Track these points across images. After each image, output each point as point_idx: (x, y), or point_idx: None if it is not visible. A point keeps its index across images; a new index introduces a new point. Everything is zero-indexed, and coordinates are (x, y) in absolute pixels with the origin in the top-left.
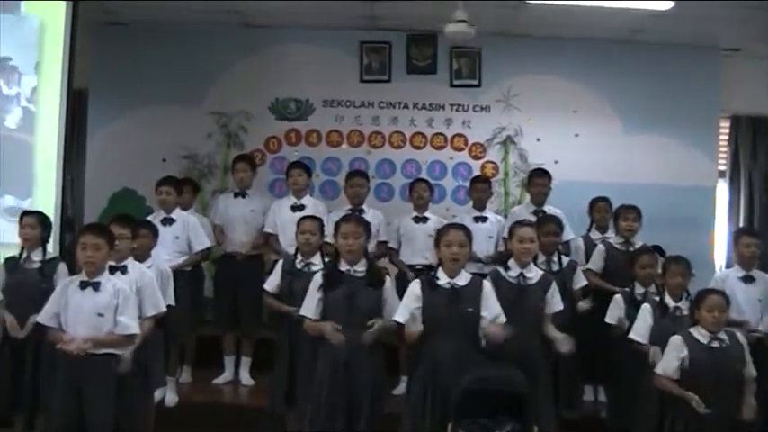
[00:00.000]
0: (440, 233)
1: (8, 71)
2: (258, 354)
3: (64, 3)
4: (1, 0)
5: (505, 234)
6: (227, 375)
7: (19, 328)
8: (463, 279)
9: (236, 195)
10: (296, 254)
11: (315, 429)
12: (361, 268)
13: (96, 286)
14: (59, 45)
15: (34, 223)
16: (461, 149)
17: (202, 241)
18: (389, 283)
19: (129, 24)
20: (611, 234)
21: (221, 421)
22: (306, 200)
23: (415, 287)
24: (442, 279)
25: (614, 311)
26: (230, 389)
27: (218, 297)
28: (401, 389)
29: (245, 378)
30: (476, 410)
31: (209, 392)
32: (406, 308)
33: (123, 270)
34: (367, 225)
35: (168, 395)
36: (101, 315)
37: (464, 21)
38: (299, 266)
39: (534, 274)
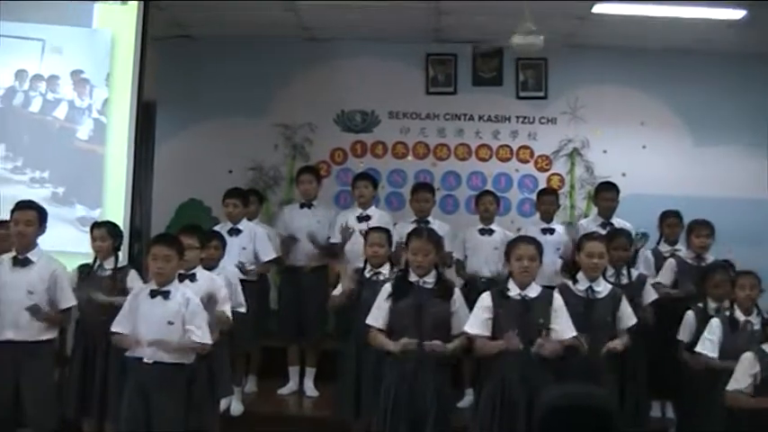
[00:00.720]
0: (510, 246)
1: (80, 83)
2: (322, 365)
3: (135, 17)
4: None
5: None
6: (291, 386)
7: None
8: (534, 291)
9: (301, 206)
10: (365, 264)
11: None
12: (430, 280)
13: (166, 295)
14: (130, 58)
15: (105, 235)
16: (527, 161)
17: (268, 252)
18: (458, 294)
19: (196, 37)
20: (680, 247)
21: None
22: (371, 211)
23: (486, 298)
24: (513, 291)
25: (686, 328)
26: (295, 399)
27: (282, 308)
28: (465, 402)
29: (310, 389)
30: (561, 428)
31: (273, 403)
32: (477, 318)
33: (192, 278)
34: (438, 240)
35: (234, 404)
36: (170, 323)
37: (531, 32)
38: (367, 276)
39: (603, 287)
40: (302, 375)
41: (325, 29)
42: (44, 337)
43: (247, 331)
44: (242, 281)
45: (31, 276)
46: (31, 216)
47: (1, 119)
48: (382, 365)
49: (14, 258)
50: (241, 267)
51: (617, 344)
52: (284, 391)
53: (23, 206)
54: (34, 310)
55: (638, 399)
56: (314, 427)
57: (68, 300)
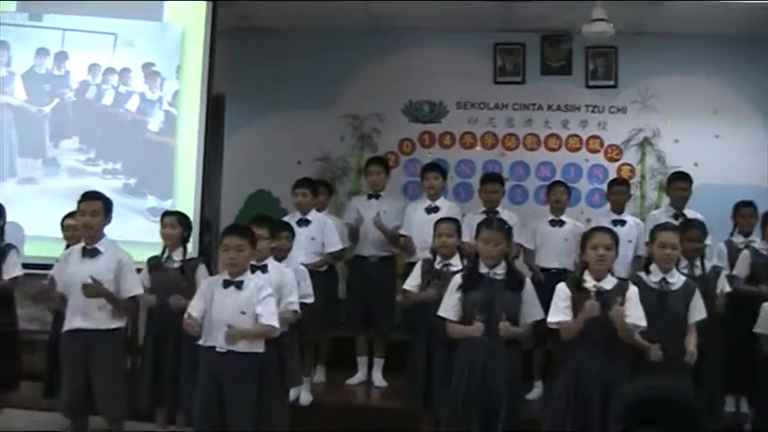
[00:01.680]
0: (586, 235)
1: (151, 76)
2: (391, 355)
3: (204, 10)
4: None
5: (646, 238)
6: (359, 376)
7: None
8: (609, 283)
9: (369, 197)
10: (434, 255)
11: (451, 431)
12: (500, 271)
13: (239, 285)
14: (199, 50)
15: (175, 223)
16: (597, 151)
17: (336, 243)
18: (529, 285)
19: (265, 30)
20: (754, 238)
21: (353, 422)
22: (440, 202)
23: (563, 287)
24: (589, 282)
25: (764, 321)
26: (363, 390)
27: (350, 298)
28: (534, 394)
29: (378, 379)
30: (644, 422)
31: (342, 393)
32: (558, 307)
33: (264, 269)
34: (508, 230)
35: (303, 394)
36: (243, 313)
37: (602, 20)
38: (437, 267)
39: (677, 279)
40: (370, 366)
41: (394, 19)
42: (113, 326)
43: (316, 321)
44: (310, 271)
45: (99, 266)
46: (97, 206)
47: (74, 112)
48: (453, 357)
49: (83, 249)
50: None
51: (692, 350)
52: (352, 381)
53: (89, 197)
54: (89, 290)
55: (713, 393)
56: (382, 418)
57: (135, 288)
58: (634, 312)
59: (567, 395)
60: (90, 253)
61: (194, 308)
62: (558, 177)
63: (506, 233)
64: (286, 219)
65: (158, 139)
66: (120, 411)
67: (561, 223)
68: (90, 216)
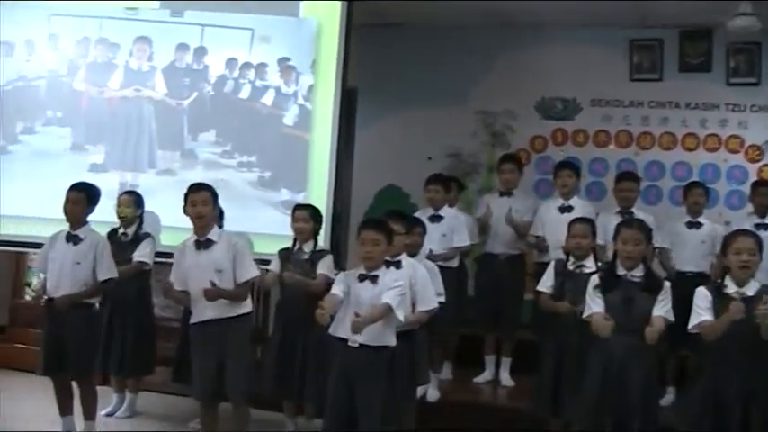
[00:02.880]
0: (728, 240)
1: (287, 71)
2: (519, 355)
3: (339, 6)
4: (281, 3)
5: None
6: (487, 375)
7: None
8: (752, 288)
9: (501, 194)
10: (567, 256)
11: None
12: (638, 273)
13: (374, 279)
14: (334, 45)
15: (306, 216)
16: (737, 152)
17: (464, 238)
18: (667, 288)
19: (397, 25)
20: None
21: (480, 420)
22: (573, 201)
23: (704, 291)
24: (731, 287)
25: None
26: (490, 389)
27: (479, 296)
28: (666, 400)
29: (506, 379)
30: None
31: (468, 391)
32: (698, 311)
33: (398, 265)
34: (648, 231)
35: (430, 391)
36: None
37: (748, 14)
38: (570, 268)
39: None
40: (498, 365)
41: (527, 14)
42: (241, 311)
43: (446, 319)
44: (441, 268)
45: (216, 256)
46: (206, 197)
47: (212, 105)
48: (585, 360)
49: (197, 242)
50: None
51: None
52: (480, 379)
53: (198, 188)
54: (210, 294)
55: None
56: (509, 418)
57: (252, 271)
58: None
59: (705, 401)
60: (204, 244)
61: (328, 299)
62: (694, 178)
63: (647, 234)
64: (417, 214)
65: (293, 133)
66: (245, 393)
67: (698, 225)
68: (202, 206)
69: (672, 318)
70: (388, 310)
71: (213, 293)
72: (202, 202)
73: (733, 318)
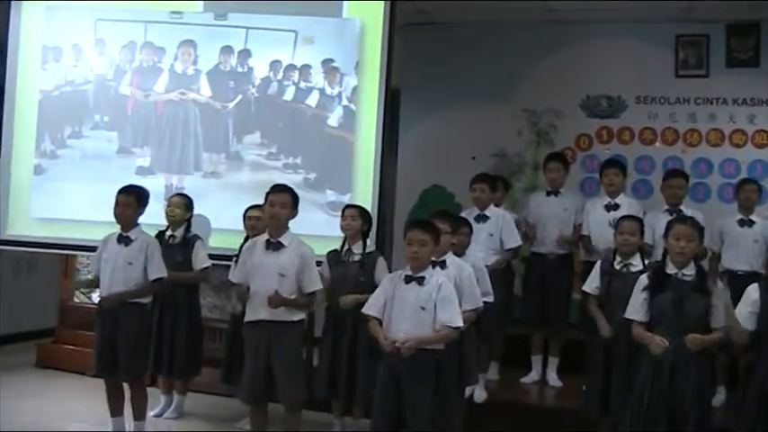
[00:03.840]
0: None
1: (331, 72)
2: (566, 355)
3: (382, 6)
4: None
5: None
6: (534, 375)
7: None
8: None
9: (548, 194)
10: (614, 254)
11: None
12: (689, 272)
13: (421, 281)
14: (377, 46)
15: (356, 215)
16: None
17: (515, 239)
18: (721, 287)
19: (441, 24)
20: None
21: (527, 421)
22: (620, 199)
23: (752, 290)
24: None
25: None
26: (537, 389)
27: (526, 296)
28: (717, 400)
29: (553, 379)
30: None
31: (515, 391)
32: (743, 312)
33: (443, 265)
34: (701, 229)
35: (477, 391)
36: (423, 309)
37: None
38: (617, 267)
39: None
40: (545, 365)
41: (571, 10)
42: (295, 318)
43: (493, 319)
44: (487, 267)
45: (283, 260)
46: (286, 199)
47: (257, 107)
48: (635, 361)
49: (267, 242)
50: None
51: None
52: (527, 379)
53: (279, 189)
54: (274, 301)
55: None
56: (556, 419)
57: (316, 283)
58: None
59: (759, 402)
60: (274, 246)
61: (373, 305)
62: (743, 175)
63: (699, 231)
64: (464, 214)
65: (338, 134)
66: (298, 398)
67: (751, 223)
68: (279, 207)
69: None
70: (452, 335)
71: (277, 301)
72: (280, 204)
73: None
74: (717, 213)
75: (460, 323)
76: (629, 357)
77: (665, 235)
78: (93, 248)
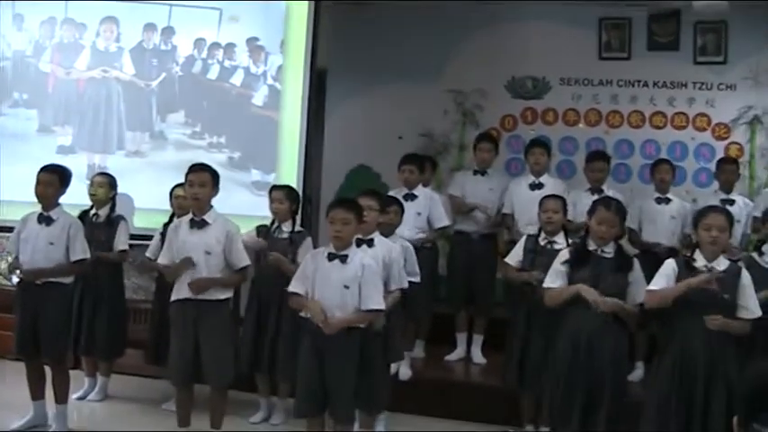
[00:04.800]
0: (699, 215)
1: (256, 51)
2: (491, 332)
3: None
4: None
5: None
6: (459, 353)
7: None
8: (722, 264)
9: (475, 173)
10: (538, 231)
11: (553, 408)
12: (609, 250)
13: (344, 259)
14: (303, 24)
15: (282, 197)
16: (704, 130)
17: (443, 218)
18: (637, 267)
19: (366, 3)
20: None
21: (452, 398)
22: (544, 178)
23: (671, 262)
24: (700, 262)
25: None
26: (462, 366)
27: (451, 275)
28: (635, 375)
29: (477, 356)
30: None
31: (441, 369)
32: (660, 278)
33: (370, 243)
34: (624, 214)
35: (402, 369)
36: (346, 287)
37: None
38: (542, 244)
39: None
40: (470, 342)
41: None
42: (221, 297)
43: (420, 298)
44: (414, 248)
45: (208, 237)
46: (205, 178)
47: (181, 86)
48: (553, 335)
49: (192, 221)
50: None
51: None
52: (452, 357)
53: (197, 168)
54: (197, 287)
55: None
56: (481, 395)
57: (243, 260)
58: (749, 302)
59: (673, 374)
60: (198, 224)
61: (297, 284)
62: (663, 156)
63: (622, 217)
64: (392, 193)
65: (262, 113)
66: (226, 380)
67: (668, 201)
68: (198, 187)
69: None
70: (375, 317)
71: (198, 287)
72: (200, 184)
73: (694, 286)
74: (638, 193)
75: (383, 306)
76: (548, 332)
77: (590, 216)
78: (11, 229)
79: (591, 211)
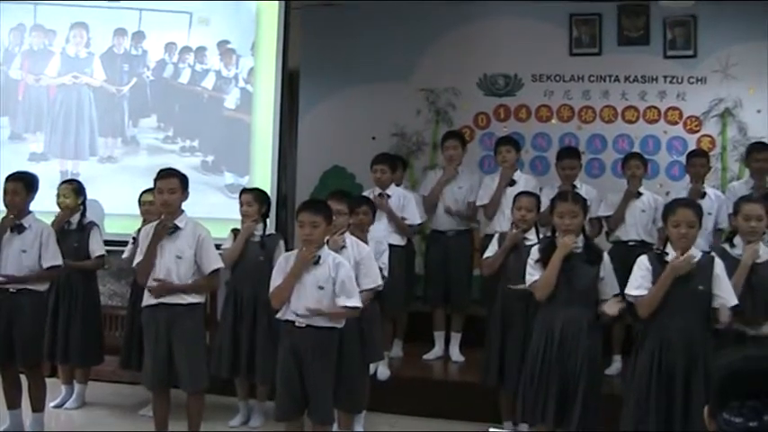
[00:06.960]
0: (668, 210)
1: (227, 54)
2: (468, 330)
3: None
4: None
5: (730, 210)
6: (437, 351)
7: None
8: (696, 256)
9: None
10: (511, 228)
11: (526, 404)
12: (578, 244)
13: (316, 261)
14: (274, 26)
15: (251, 200)
16: (676, 123)
17: (415, 216)
18: (607, 259)
19: (337, 4)
20: None
21: (431, 397)
22: (517, 175)
23: (644, 260)
24: (671, 255)
25: None
26: (440, 365)
27: (428, 273)
28: (613, 369)
29: (456, 354)
30: (741, 393)
31: (419, 368)
32: (637, 279)
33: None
34: (584, 203)
35: (380, 369)
36: (321, 288)
37: None
38: None
39: (763, 251)
40: (448, 341)
41: None
42: (194, 300)
43: (396, 297)
44: (389, 246)
45: (180, 242)
46: (174, 184)
47: (152, 91)
48: (529, 331)
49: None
50: None
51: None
52: (430, 356)
53: (165, 174)
54: (158, 291)
55: None
56: (460, 393)
57: (215, 262)
58: (724, 290)
59: (651, 368)
60: (169, 229)
61: (275, 283)
62: (636, 150)
63: (582, 205)
64: (365, 193)
65: (235, 116)
66: (199, 384)
67: (638, 195)
68: (168, 194)
69: (617, 290)
70: (353, 314)
71: (161, 290)
72: (169, 190)
73: (674, 274)
74: (611, 188)
75: (359, 303)
76: (524, 328)
77: (551, 211)
78: None
79: (552, 208)
